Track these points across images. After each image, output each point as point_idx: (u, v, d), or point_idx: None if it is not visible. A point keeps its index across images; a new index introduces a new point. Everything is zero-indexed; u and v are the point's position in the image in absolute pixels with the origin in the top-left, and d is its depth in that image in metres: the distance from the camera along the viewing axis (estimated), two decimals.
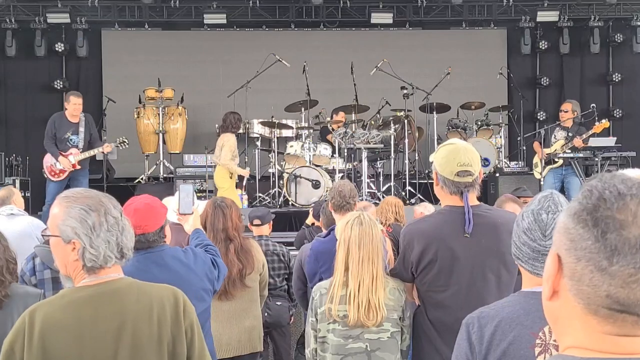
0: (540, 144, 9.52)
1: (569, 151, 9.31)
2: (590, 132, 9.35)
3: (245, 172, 9.40)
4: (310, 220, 6.80)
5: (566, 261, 1.08)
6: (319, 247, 4.41)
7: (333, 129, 10.67)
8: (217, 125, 11.74)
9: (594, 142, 9.39)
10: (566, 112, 9.58)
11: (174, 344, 2.15)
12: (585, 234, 1.05)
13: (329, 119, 11.08)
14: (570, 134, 9.44)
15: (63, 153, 8.94)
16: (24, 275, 4.32)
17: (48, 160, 9.01)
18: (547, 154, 9.39)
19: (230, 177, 9.11)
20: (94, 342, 2.09)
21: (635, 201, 1.06)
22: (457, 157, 3.14)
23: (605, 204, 1.06)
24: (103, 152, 9.42)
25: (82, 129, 8.99)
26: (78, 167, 8.98)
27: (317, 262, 4.30)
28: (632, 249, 1.03)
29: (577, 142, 9.25)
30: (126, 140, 9.65)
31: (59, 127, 8.95)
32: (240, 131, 10.04)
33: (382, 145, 10.35)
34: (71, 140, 8.97)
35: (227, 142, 9.05)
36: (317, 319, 3.41)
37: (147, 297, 2.16)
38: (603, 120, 9.48)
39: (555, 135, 9.59)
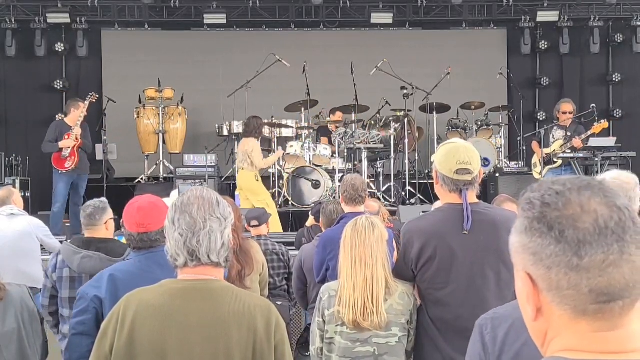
0: (539, 143, 9.49)
1: (569, 151, 9.30)
2: (590, 133, 9.31)
3: (279, 153, 9.80)
4: (310, 222, 6.78)
5: (537, 275, 1.08)
6: (327, 234, 4.48)
7: (332, 130, 10.67)
8: (217, 126, 11.79)
9: (594, 142, 9.36)
10: (570, 113, 9.50)
11: (262, 355, 2.15)
12: (545, 241, 1.06)
13: (329, 118, 11.09)
14: (569, 133, 9.40)
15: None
16: (47, 270, 4.30)
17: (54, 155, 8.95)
18: (546, 154, 9.37)
19: (257, 180, 9.18)
20: (179, 333, 2.10)
21: (574, 193, 1.08)
22: (457, 155, 3.17)
23: (549, 207, 1.07)
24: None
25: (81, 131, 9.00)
26: (79, 139, 8.87)
27: (325, 249, 4.33)
28: (594, 235, 1.04)
29: (577, 142, 9.19)
30: (94, 93, 9.73)
31: (60, 133, 8.94)
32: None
33: (382, 145, 10.36)
34: None
35: (256, 149, 9.10)
36: (324, 320, 3.40)
37: (240, 303, 2.17)
38: (602, 121, 9.43)
39: (553, 135, 9.54)
